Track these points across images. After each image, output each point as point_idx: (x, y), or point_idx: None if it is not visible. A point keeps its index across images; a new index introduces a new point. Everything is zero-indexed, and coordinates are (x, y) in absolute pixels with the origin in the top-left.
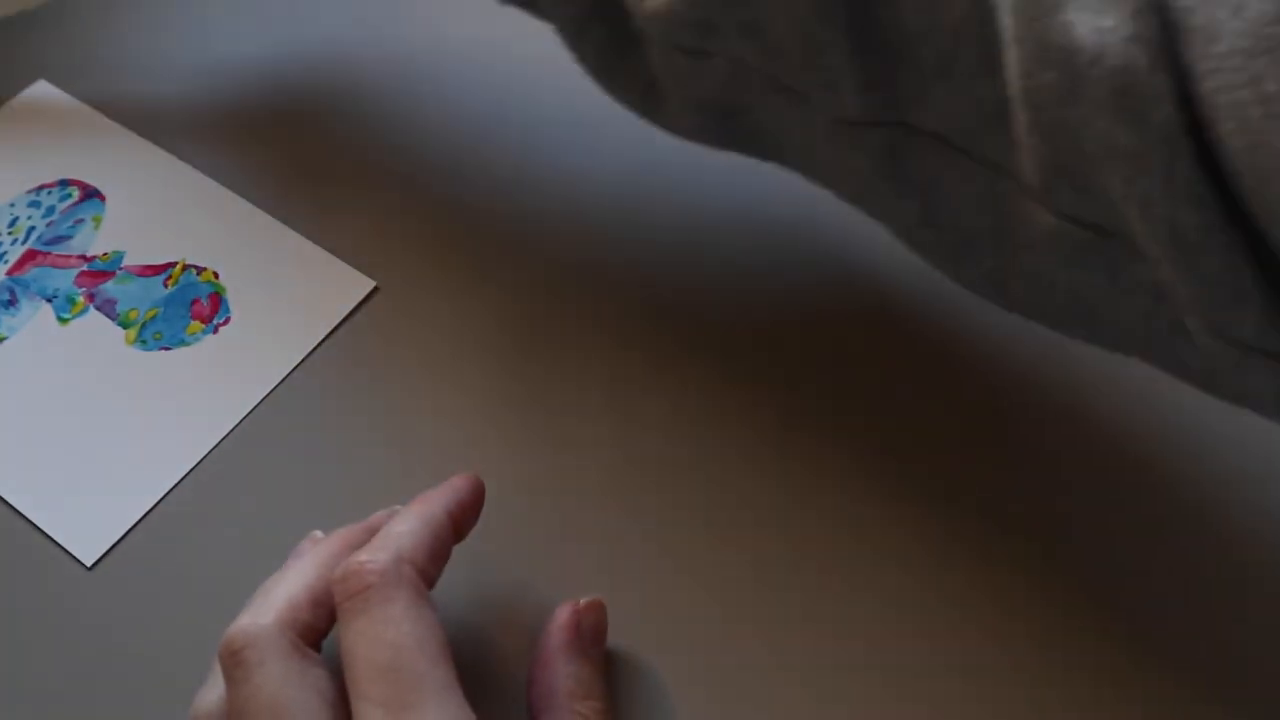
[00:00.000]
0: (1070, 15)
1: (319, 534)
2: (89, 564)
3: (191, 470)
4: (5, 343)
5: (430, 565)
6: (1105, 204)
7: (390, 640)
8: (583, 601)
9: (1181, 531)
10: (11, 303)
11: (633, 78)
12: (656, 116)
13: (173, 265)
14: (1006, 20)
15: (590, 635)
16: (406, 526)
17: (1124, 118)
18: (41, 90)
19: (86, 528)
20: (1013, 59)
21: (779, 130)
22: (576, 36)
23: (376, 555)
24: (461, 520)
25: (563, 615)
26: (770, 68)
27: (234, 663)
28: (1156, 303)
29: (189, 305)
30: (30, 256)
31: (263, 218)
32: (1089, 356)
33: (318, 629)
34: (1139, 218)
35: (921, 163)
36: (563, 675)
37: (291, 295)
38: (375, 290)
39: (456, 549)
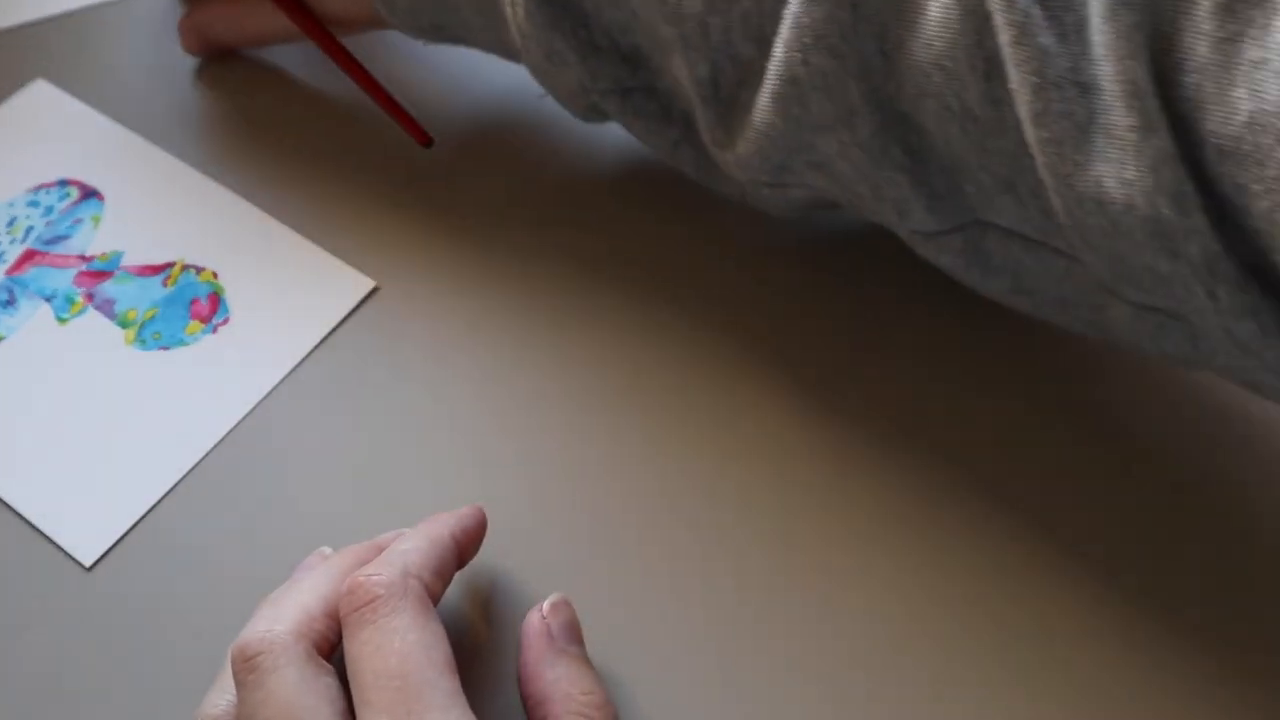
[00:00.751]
0: (1097, 169)
1: (326, 550)
2: (88, 565)
3: (190, 471)
4: (4, 342)
5: (435, 582)
6: (1170, 303)
7: (396, 649)
8: (546, 605)
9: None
10: (10, 302)
11: (727, 187)
12: (758, 209)
13: (171, 265)
14: (1043, 174)
15: (564, 634)
16: (413, 544)
17: (1162, 254)
18: (40, 90)
19: (85, 528)
20: (1056, 204)
21: (871, 220)
22: (670, 156)
23: (383, 569)
24: (465, 545)
25: (532, 624)
26: (844, 196)
27: (247, 669)
28: (1244, 357)
29: (188, 305)
30: (29, 256)
31: (262, 218)
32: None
33: (330, 640)
34: (1199, 322)
35: (1002, 250)
36: (550, 682)
37: (291, 295)
38: (375, 290)
39: None
